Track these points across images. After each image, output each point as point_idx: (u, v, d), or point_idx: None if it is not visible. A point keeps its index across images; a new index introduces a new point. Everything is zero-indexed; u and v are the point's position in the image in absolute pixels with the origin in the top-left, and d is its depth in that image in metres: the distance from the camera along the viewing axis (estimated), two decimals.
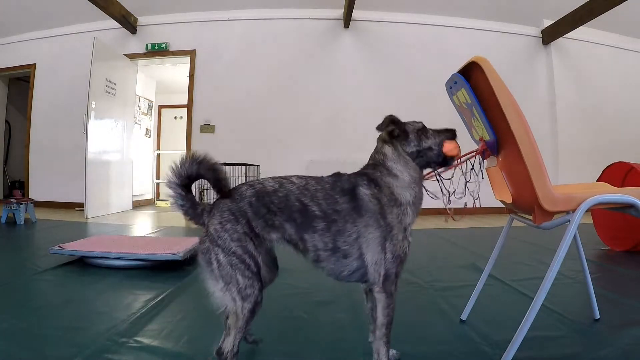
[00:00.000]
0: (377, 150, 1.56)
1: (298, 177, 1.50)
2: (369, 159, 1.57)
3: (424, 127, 1.56)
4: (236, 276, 1.35)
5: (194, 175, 1.46)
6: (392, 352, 1.60)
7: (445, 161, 1.54)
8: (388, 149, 1.52)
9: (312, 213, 1.41)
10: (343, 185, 1.45)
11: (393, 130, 1.52)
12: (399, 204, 1.43)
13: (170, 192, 1.46)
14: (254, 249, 1.39)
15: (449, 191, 1.63)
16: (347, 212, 1.40)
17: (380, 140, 1.58)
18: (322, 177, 1.51)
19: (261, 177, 7.04)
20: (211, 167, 1.44)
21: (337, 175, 1.51)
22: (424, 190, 1.56)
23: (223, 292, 1.37)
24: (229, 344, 1.38)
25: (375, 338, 1.43)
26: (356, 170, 1.55)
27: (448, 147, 1.51)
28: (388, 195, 1.43)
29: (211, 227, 1.40)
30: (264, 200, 1.42)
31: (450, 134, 1.55)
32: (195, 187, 5.50)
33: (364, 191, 1.43)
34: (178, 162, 1.44)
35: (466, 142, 1.72)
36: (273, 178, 1.50)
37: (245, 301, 1.36)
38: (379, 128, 1.55)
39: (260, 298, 1.40)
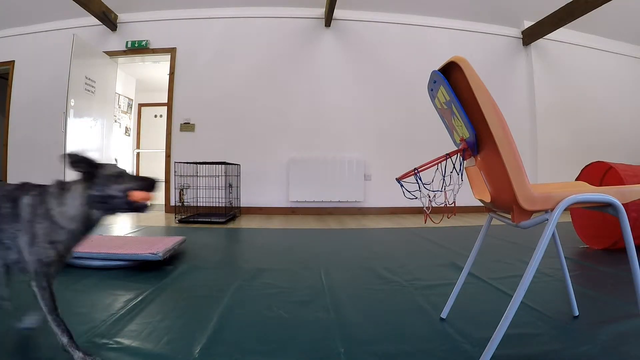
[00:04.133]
0: (76, 180, 1.61)
1: None
2: (72, 180, 1.63)
3: (119, 174, 1.59)
4: None
5: None
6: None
7: (134, 208, 1.59)
8: (77, 186, 1.58)
9: None
10: (15, 194, 1.60)
11: (83, 173, 1.57)
12: (53, 222, 1.55)
13: None
14: None
15: (429, 193, 1.63)
16: (8, 215, 1.56)
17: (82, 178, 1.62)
18: (7, 185, 1.67)
19: (241, 176, 7.03)
20: None
21: (23, 185, 1.66)
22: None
23: None
24: None
25: (50, 323, 1.57)
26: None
27: (135, 196, 1.56)
28: (45, 211, 1.55)
29: None
30: None
31: (145, 184, 1.59)
32: (175, 187, 5.42)
33: (26, 201, 1.57)
34: None
35: (447, 147, 1.72)
36: None
37: None
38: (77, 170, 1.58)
39: None
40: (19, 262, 1.62)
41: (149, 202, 1.59)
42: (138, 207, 1.58)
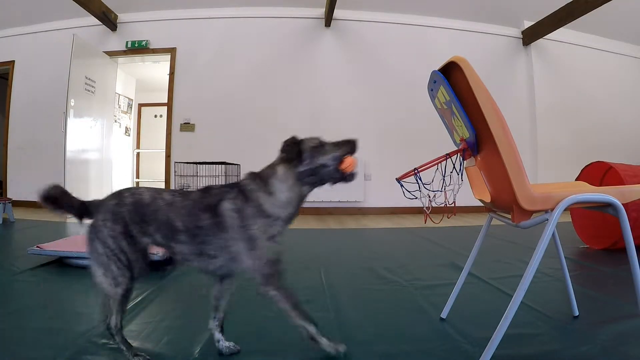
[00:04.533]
0: (272, 164, 1.61)
1: (169, 192, 1.63)
2: (264, 168, 1.63)
3: (321, 143, 1.58)
4: (111, 266, 1.54)
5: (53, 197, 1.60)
6: (230, 344, 1.72)
7: (344, 177, 1.58)
8: (280, 168, 1.57)
9: (177, 227, 1.54)
10: (208, 202, 1.56)
11: (287, 154, 1.56)
12: (267, 216, 1.53)
13: (56, 210, 1.61)
14: (127, 246, 1.55)
15: (429, 193, 1.64)
16: (209, 227, 1.52)
17: (279, 157, 1.61)
18: (191, 192, 1.64)
19: (241, 176, 7.02)
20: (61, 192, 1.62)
21: (206, 190, 1.62)
22: (406, 189, 1.61)
23: (103, 277, 1.56)
24: (113, 321, 1.57)
25: (294, 320, 1.55)
26: None
27: (345, 165, 1.55)
28: (255, 208, 1.53)
29: (96, 221, 1.57)
30: (139, 211, 1.56)
31: (349, 147, 1.58)
32: (175, 187, 5.39)
33: (227, 206, 1.53)
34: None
35: (447, 147, 1.72)
36: (149, 190, 1.64)
37: (117, 286, 1.54)
38: (283, 151, 1.58)
39: (130, 286, 1.58)
40: (222, 267, 1.61)
41: (356, 170, 1.57)
42: (348, 176, 1.57)
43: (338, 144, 1.58)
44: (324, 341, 1.58)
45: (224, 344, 1.70)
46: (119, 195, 1.62)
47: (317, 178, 1.56)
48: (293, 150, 1.54)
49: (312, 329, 1.57)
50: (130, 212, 1.56)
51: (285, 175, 1.55)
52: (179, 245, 1.57)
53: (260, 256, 1.51)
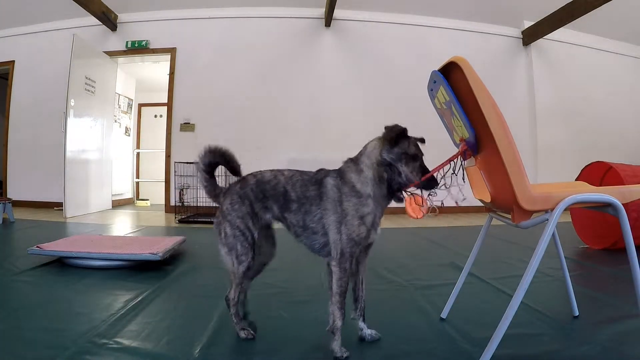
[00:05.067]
0: (366, 144, 1.75)
1: (289, 170, 1.83)
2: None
3: (416, 155, 1.66)
4: (236, 245, 1.73)
5: (212, 163, 1.86)
6: (372, 332, 1.85)
7: (396, 196, 1.71)
8: (372, 143, 1.74)
9: (290, 197, 1.74)
10: (317, 177, 1.75)
11: (386, 133, 1.68)
12: (359, 195, 1.64)
13: (199, 175, 1.87)
14: (252, 226, 1.76)
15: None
16: (313, 197, 1.70)
17: (378, 137, 1.74)
18: (308, 171, 1.81)
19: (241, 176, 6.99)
20: (221, 154, 1.86)
21: (319, 170, 1.79)
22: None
23: (227, 255, 1.76)
24: (232, 294, 1.80)
25: (331, 303, 1.68)
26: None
27: (409, 203, 1.66)
28: (349, 187, 1.66)
29: (224, 205, 1.80)
30: (262, 187, 1.78)
31: (430, 183, 1.64)
32: (175, 187, 5.41)
33: (330, 181, 1.70)
34: (201, 153, 1.85)
35: (447, 147, 1.72)
36: (271, 170, 1.84)
37: (240, 264, 1.74)
38: (385, 130, 1.70)
39: (252, 263, 1.77)
40: (326, 246, 1.71)
41: (409, 212, 1.65)
42: (397, 196, 1.72)
43: (425, 172, 1.65)
44: (337, 341, 1.63)
45: (367, 331, 1.84)
46: (243, 179, 1.85)
47: (385, 173, 1.66)
48: (393, 133, 1.64)
49: (338, 323, 1.65)
50: (253, 190, 1.78)
51: (372, 151, 1.69)
52: (290, 215, 1.74)
53: (346, 232, 1.62)
